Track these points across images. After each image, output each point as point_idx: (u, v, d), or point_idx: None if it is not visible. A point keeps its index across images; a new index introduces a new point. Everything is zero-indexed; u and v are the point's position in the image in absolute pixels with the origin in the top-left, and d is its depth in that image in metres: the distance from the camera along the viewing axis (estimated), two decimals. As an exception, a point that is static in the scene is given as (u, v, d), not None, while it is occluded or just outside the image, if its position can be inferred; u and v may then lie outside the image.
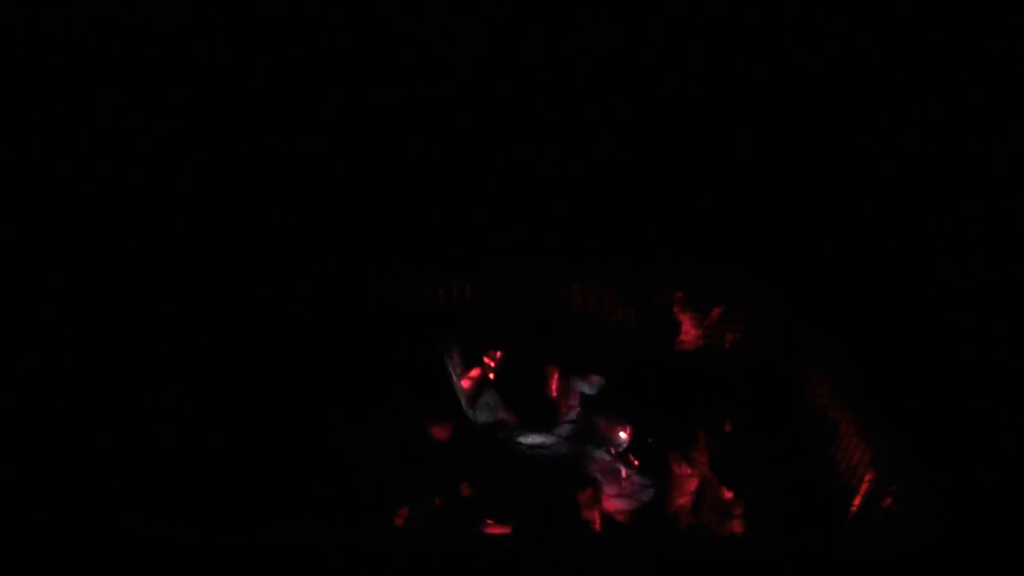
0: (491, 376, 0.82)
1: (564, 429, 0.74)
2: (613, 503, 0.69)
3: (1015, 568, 0.60)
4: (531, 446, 0.73)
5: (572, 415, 0.75)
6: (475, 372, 0.83)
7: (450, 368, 0.78)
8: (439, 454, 0.73)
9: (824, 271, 0.85)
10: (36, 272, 0.81)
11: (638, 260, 0.81)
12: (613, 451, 0.73)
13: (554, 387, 0.81)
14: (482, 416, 0.76)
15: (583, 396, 0.78)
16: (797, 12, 0.81)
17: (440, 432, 0.75)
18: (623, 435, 0.74)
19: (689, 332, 0.85)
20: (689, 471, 0.71)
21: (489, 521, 0.65)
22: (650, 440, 0.74)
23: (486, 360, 0.83)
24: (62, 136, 0.80)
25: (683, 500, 0.68)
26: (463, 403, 0.77)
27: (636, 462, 0.73)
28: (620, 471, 0.71)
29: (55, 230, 0.82)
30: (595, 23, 0.83)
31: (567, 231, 0.90)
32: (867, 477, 0.63)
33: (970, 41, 0.81)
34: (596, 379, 0.79)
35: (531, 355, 0.81)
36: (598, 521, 0.67)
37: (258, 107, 0.87)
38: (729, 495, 0.69)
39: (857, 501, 0.63)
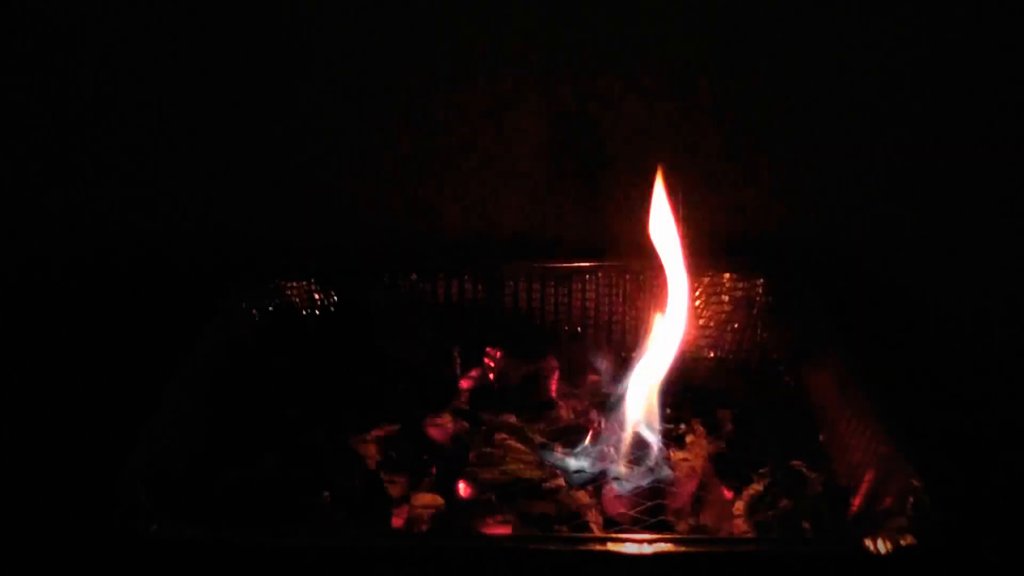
0: (491, 376, 0.82)
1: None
2: (614, 503, 0.68)
3: (1016, 567, 0.60)
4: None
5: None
6: (475, 372, 0.83)
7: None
8: (439, 454, 0.73)
9: (824, 270, 0.85)
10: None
11: (638, 259, 0.81)
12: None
13: (553, 388, 0.81)
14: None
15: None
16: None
17: (439, 432, 0.75)
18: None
19: (689, 332, 0.85)
20: (689, 471, 0.70)
21: (489, 521, 0.65)
22: (648, 440, 0.74)
23: (486, 360, 0.83)
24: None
25: (683, 500, 0.68)
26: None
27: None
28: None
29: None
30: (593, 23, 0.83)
31: (567, 230, 0.91)
32: (867, 477, 0.63)
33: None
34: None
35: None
36: (598, 521, 0.66)
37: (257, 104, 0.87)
38: (729, 495, 0.68)
39: (857, 501, 0.63)
